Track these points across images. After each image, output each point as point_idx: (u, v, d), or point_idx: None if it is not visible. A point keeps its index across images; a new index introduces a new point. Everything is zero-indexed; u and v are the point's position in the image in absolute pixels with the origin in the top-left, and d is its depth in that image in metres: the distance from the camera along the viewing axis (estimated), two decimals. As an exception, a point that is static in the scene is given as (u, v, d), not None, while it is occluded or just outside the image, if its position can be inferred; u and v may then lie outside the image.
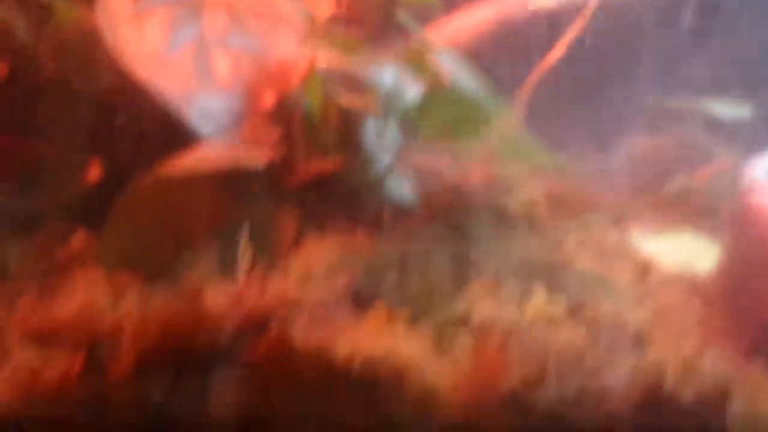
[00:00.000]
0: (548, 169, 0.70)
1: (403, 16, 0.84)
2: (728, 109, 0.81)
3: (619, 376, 0.49)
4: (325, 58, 0.65)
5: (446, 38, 0.89)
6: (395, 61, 0.68)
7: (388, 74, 0.63)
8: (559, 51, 0.74)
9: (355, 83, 0.64)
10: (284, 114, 0.69)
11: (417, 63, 0.69)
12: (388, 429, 0.49)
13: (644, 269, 0.68)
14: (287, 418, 0.49)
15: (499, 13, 0.92)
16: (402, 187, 0.69)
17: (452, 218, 0.69)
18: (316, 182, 0.67)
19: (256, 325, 0.51)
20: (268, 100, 0.69)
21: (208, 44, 0.70)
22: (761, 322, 0.57)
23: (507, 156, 0.71)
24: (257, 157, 0.60)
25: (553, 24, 0.88)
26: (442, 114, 0.69)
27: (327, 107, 0.69)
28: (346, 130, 0.69)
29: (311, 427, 0.49)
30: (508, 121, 0.68)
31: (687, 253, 0.74)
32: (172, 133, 0.67)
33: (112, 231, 0.59)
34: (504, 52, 0.90)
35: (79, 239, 0.65)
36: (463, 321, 0.55)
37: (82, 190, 0.68)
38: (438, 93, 0.67)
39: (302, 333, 0.50)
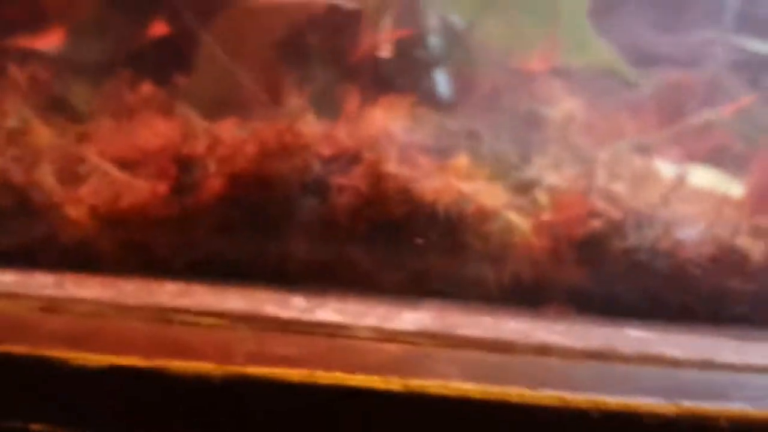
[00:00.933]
0: (610, 68, 0.71)
1: None
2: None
3: (693, 231, 0.51)
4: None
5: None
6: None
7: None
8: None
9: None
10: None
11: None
12: (470, 270, 0.50)
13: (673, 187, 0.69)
14: (370, 259, 0.50)
15: None
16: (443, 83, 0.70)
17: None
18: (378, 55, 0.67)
19: (349, 157, 0.52)
20: None
21: None
22: None
23: (571, 49, 0.71)
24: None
25: None
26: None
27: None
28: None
29: (395, 269, 0.50)
30: (575, 10, 0.69)
31: (708, 184, 0.76)
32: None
33: (202, 65, 0.59)
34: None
35: (147, 88, 0.65)
36: (538, 182, 0.56)
37: (147, 42, 0.68)
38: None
39: (392, 168, 0.51)
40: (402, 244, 0.51)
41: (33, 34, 0.67)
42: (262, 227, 0.52)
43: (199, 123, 0.54)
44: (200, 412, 0.40)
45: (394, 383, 0.38)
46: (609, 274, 0.50)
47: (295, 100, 0.54)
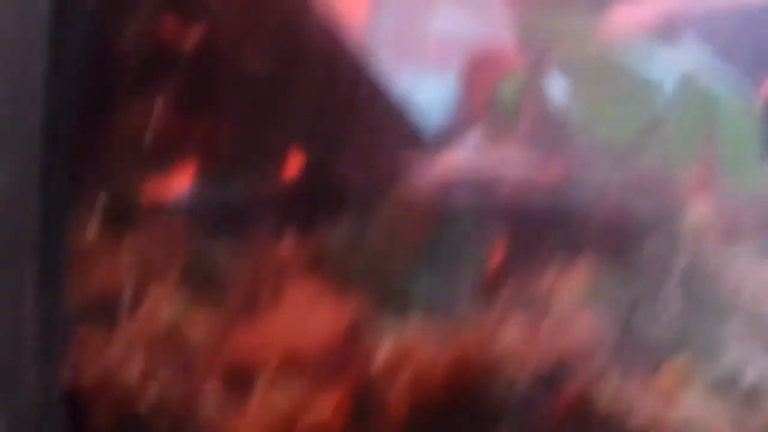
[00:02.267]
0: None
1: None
2: None
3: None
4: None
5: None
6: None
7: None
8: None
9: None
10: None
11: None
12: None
13: None
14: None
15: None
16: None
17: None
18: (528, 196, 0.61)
19: (551, 376, 0.45)
20: (484, 90, 0.62)
21: (420, 24, 0.63)
22: None
23: (730, 169, 0.64)
24: (510, 162, 0.54)
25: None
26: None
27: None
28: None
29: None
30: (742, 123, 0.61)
31: None
32: (383, 117, 0.61)
33: (353, 247, 0.53)
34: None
35: (289, 242, 0.59)
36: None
37: (283, 182, 0.61)
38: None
39: (605, 391, 0.44)
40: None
41: (162, 180, 0.61)
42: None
43: (376, 322, 0.48)
44: None
45: None
46: None
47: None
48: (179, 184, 0.61)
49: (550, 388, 0.45)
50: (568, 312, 0.51)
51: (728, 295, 0.57)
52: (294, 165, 0.63)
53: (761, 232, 0.65)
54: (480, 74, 0.63)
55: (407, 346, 0.47)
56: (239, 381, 0.48)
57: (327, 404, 0.47)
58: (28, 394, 0.43)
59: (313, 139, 0.62)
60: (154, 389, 0.48)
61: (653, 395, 0.45)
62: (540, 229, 0.61)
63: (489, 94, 0.62)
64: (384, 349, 0.47)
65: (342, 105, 0.63)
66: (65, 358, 0.46)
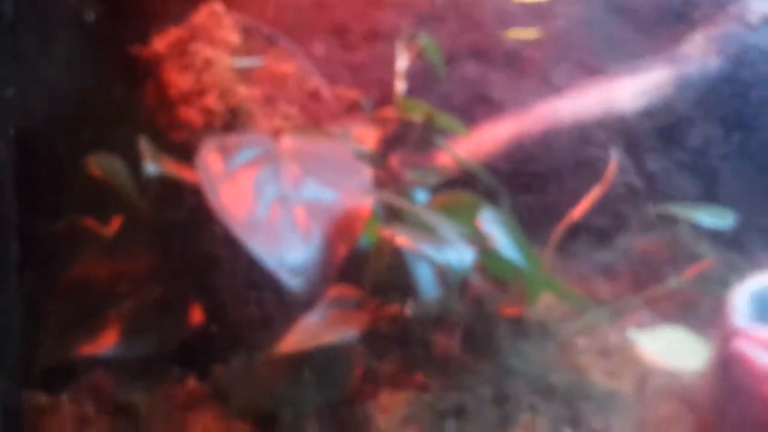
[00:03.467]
0: (573, 305, 0.86)
1: (438, 139, 0.98)
2: (712, 218, 0.95)
3: None
4: (399, 237, 0.78)
5: (468, 152, 1.04)
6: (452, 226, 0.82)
7: (452, 254, 0.77)
8: (582, 209, 0.89)
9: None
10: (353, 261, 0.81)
11: (470, 221, 0.83)
12: None
13: (644, 376, 0.84)
14: None
15: (516, 129, 1.06)
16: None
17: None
18: (381, 322, 0.82)
19: None
20: (342, 248, 0.78)
21: (290, 200, 0.77)
22: None
23: (534, 294, 0.86)
24: (353, 326, 0.75)
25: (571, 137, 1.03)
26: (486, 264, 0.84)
27: (383, 249, 0.82)
28: (400, 272, 0.82)
29: None
30: (535, 270, 0.83)
31: (679, 348, 0.90)
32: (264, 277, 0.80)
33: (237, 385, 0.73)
34: (521, 164, 1.04)
35: (190, 382, 0.80)
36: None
37: (187, 333, 0.82)
38: (485, 253, 0.82)
39: None
40: None
41: (92, 339, 0.81)
42: None
43: None
44: None
45: None
46: None
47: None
48: (106, 341, 0.81)
49: None
50: (387, 429, 0.73)
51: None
52: (195, 317, 0.84)
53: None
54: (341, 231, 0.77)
55: None
56: None
57: None
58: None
59: (210, 296, 0.83)
60: None
61: None
62: (387, 355, 0.82)
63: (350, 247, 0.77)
64: None
65: (230, 269, 0.84)
66: None
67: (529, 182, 1.00)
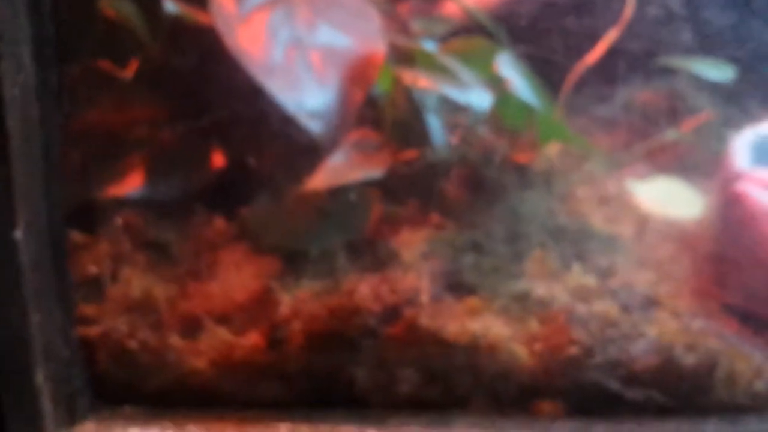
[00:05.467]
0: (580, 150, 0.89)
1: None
2: (713, 71, 0.97)
3: (642, 344, 0.73)
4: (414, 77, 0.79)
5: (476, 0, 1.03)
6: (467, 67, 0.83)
7: (472, 95, 0.79)
8: (597, 53, 0.90)
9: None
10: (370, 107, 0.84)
11: (484, 67, 0.84)
12: (486, 387, 0.73)
13: (643, 222, 0.89)
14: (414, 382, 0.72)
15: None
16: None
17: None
18: (397, 168, 0.85)
19: (391, 314, 0.72)
20: (359, 94, 0.81)
21: (305, 44, 0.79)
22: (742, 288, 0.77)
23: (545, 139, 0.89)
24: (376, 166, 0.78)
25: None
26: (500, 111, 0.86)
27: (397, 95, 0.84)
28: (415, 119, 0.85)
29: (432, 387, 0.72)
30: (550, 115, 0.86)
31: (676, 198, 0.94)
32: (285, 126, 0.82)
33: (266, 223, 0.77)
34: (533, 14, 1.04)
35: (218, 222, 0.83)
36: (525, 298, 0.77)
37: (210, 176, 0.84)
38: (501, 98, 0.84)
39: (424, 319, 0.72)
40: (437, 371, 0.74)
41: (116, 181, 0.84)
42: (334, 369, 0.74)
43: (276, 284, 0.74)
44: None
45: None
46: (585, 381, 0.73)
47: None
48: (131, 183, 0.83)
49: (390, 319, 0.72)
50: (410, 262, 0.78)
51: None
52: (217, 161, 0.86)
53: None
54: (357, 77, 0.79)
55: (302, 298, 0.73)
56: (192, 327, 0.74)
57: (251, 339, 0.74)
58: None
59: (231, 141, 0.85)
60: (135, 342, 0.74)
61: (459, 315, 0.73)
62: (404, 198, 0.86)
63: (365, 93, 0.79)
64: (286, 300, 0.73)
65: (249, 115, 0.85)
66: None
67: (537, 35, 1.00)
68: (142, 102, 0.83)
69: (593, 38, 0.94)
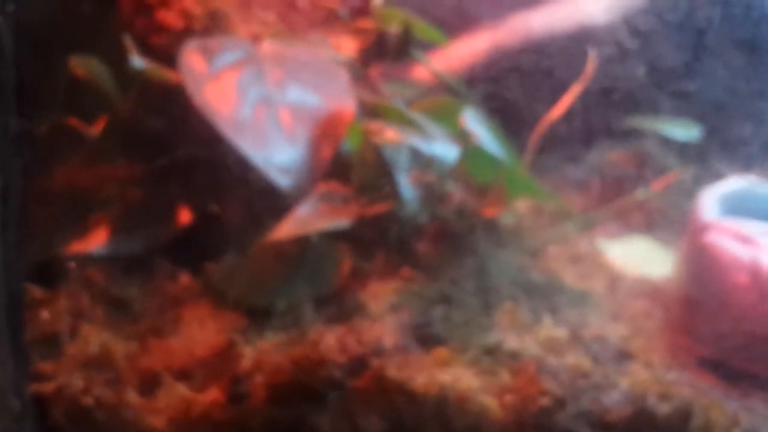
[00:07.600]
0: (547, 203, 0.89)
1: (416, 51, 1.00)
2: (680, 131, 0.98)
3: (614, 395, 0.71)
4: (384, 131, 0.80)
5: (445, 64, 1.06)
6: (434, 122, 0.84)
7: (438, 147, 0.80)
8: (562, 107, 0.92)
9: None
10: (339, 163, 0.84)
11: (451, 124, 0.85)
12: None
13: (614, 279, 0.88)
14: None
15: (494, 42, 1.08)
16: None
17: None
18: (366, 222, 0.84)
19: (358, 365, 0.71)
20: (328, 150, 0.82)
21: (274, 101, 0.80)
22: (714, 339, 0.77)
23: (514, 194, 0.89)
24: (343, 217, 0.77)
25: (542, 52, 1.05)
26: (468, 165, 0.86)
27: (366, 152, 0.84)
28: (384, 175, 0.85)
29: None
30: (516, 168, 0.86)
31: (647, 257, 0.94)
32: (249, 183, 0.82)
33: (231, 278, 0.76)
34: (498, 77, 1.06)
35: (183, 278, 0.82)
36: (496, 350, 0.75)
37: (175, 232, 0.83)
38: (468, 152, 0.84)
39: (391, 370, 0.70)
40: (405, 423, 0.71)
41: (81, 237, 0.83)
42: (298, 422, 0.71)
43: (239, 338, 0.72)
44: None
45: None
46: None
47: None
48: (95, 239, 0.82)
49: (357, 370, 0.70)
50: (379, 313, 0.77)
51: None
52: (184, 217, 0.85)
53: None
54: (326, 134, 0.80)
55: (265, 349, 0.72)
56: (150, 383, 0.72)
57: (211, 395, 0.71)
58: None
59: (198, 195, 0.85)
60: (91, 398, 0.71)
61: (428, 367, 0.71)
62: (373, 252, 0.85)
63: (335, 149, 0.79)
64: (249, 353, 0.71)
65: (216, 169, 0.85)
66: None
67: (506, 96, 1.02)
68: (109, 159, 0.83)
69: (558, 93, 0.96)
